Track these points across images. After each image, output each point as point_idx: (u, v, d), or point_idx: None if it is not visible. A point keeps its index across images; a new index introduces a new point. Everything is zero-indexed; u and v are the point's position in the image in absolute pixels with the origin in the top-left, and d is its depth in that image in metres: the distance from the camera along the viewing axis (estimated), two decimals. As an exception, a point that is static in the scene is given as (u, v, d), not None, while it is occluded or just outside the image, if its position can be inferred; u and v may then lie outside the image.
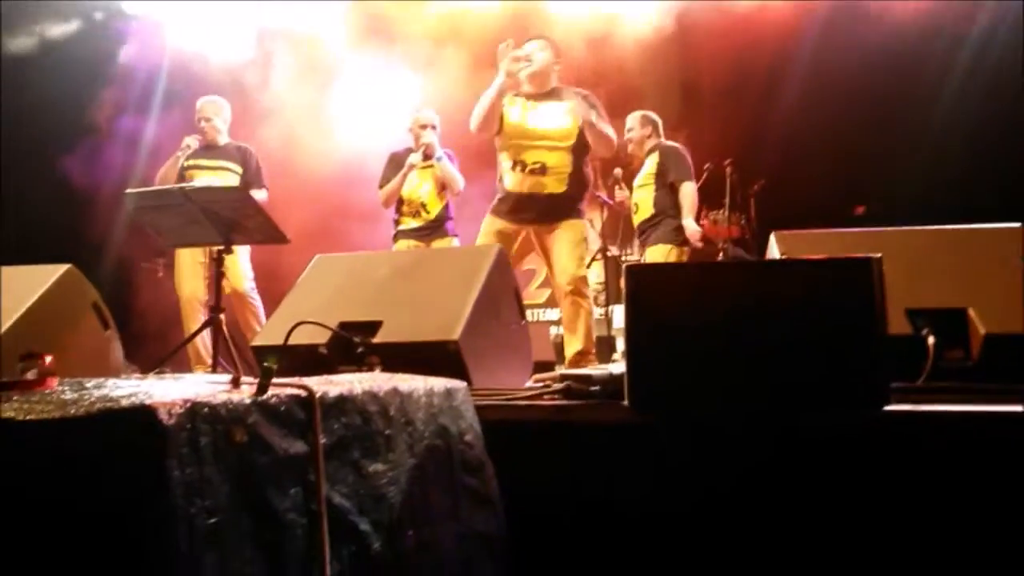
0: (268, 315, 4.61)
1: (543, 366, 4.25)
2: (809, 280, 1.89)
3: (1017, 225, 2.59)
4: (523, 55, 3.81)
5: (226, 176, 4.74)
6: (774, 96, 6.24)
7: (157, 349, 4.92)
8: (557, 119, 3.80)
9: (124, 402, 1.01)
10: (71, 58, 6.08)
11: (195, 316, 4.53)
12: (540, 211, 3.82)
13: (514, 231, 3.86)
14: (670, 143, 5.20)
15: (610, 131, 3.88)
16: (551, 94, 3.85)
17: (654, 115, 5.28)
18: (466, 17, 6.51)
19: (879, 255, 1.90)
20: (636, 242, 5.47)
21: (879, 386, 1.87)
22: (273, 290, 3.89)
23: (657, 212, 5.05)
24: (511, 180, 3.86)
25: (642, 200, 5.12)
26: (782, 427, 1.86)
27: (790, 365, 1.87)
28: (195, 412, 1.02)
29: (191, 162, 4.73)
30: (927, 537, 1.76)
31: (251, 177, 4.80)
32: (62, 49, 6.07)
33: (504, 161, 3.91)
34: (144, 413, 0.98)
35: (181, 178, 4.69)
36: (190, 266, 4.62)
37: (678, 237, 4.92)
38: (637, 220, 5.18)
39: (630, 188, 5.26)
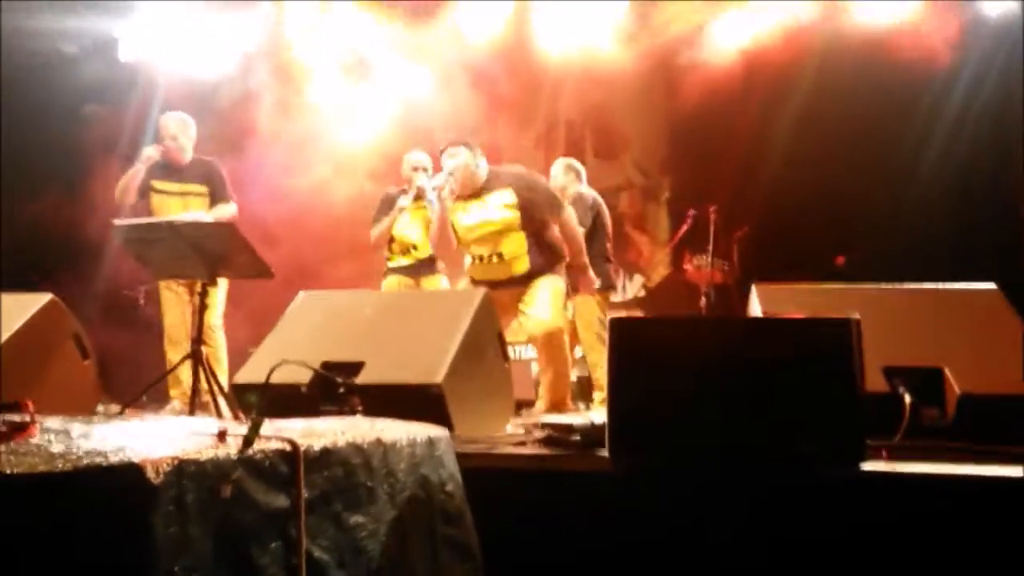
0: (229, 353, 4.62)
1: (525, 404, 4.27)
2: (790, 338, 1.93)
3: (992, 286, 2.66)
4: (438, 183, 3.92)
5: (194, 202, 4.68)
6: (760, 143, 6.34)
7: (136, 378, 4.87)
8: (493, 213, 3.89)
9: (112, 457, 1.01)
10: (59, 81, 6.09)
11: (176, 347, 4.50)
12: (510, 285, 3.89)
13: (493, 294, 3.90)
14: (587, 191, 5.14)
15: (566, 218, 3.97)
16: (483, 190, 3.93)
17: (577, 164, 5.27)
18: (461, 53, 6.58)
19: (857, 315, 1.95)
20: None
21: (856, 443, 1.90)
22: (260, 323, 3.88)
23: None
24: (476, 272, 3.98)
25: None
26: (760, 481, 1.88)
27: (769, 420, 1.90)
28: (182, 469, 1.03)
29: (157, 184, 4.64)
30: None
31: (217, 192, 4.71)
32: (50, 72, 6.07)
33: (466, 255, 4.03)
34: (132, 470, 0.99)
35: (144, 193, 4.63)
36: (171, 297, 4.58)
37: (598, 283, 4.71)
38: None
39: None
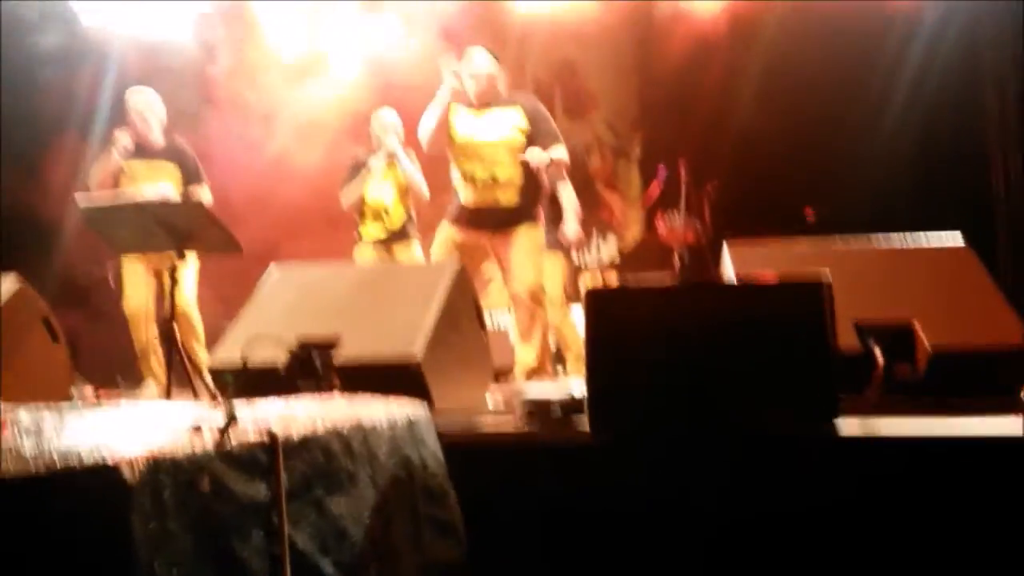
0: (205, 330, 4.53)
1: (505, 371, 4.27)
2: (764, 303, 1.94)
3: (958, 236, 2.69)
4: (468, 69, 3.80)
5: (164, 177, 4.52)
6: (729, 96, 6.32)
7: (108, 358, 4.81)
8: (504, 130, 3.79)
9: (87, 458, 1.00)
10: (10, 51, 5.90)
11: (143, 329, 4.40)
12: (495, 222, 3.81)
13: (470, 240, 3.85)
14: None
15: (560, 153, 3.86)
16: (496, 103, 3.84)
17: None
18: (424, 7, 6.44)
19: (829, 275, 1.96)
20: None
21: (829, 400, 1.94)
22: (233, 300, 3.82)
23: None
24: (464, 194, 3.86)
25: None
26: (737, 445, 1.91)
27: (746, 384, 1.92)
28: (158, 466, 1.02)
29: (127, 163, 4.47)
30: (876, 549, 1.82)
31: (190, 174, 4.59)
32: (1, 44, 5.88)
33: (455, 173, 3.90)
34: (107, 471, 0.97)
35: (117, 180, 4.51)
36: (138, 278, 4.46)
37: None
38: None
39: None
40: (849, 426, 1.93)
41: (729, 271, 2.71)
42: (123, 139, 4.40)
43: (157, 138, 4.58)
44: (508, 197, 3.79)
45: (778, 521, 1.83)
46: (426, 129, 3.83)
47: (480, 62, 3.82)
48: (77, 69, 6.07)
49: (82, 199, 3.71)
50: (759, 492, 1.87)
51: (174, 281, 3.59)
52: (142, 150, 4.53)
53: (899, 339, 2.31)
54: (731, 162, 6.20)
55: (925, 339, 2.29)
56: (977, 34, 5.52)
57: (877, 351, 2.26)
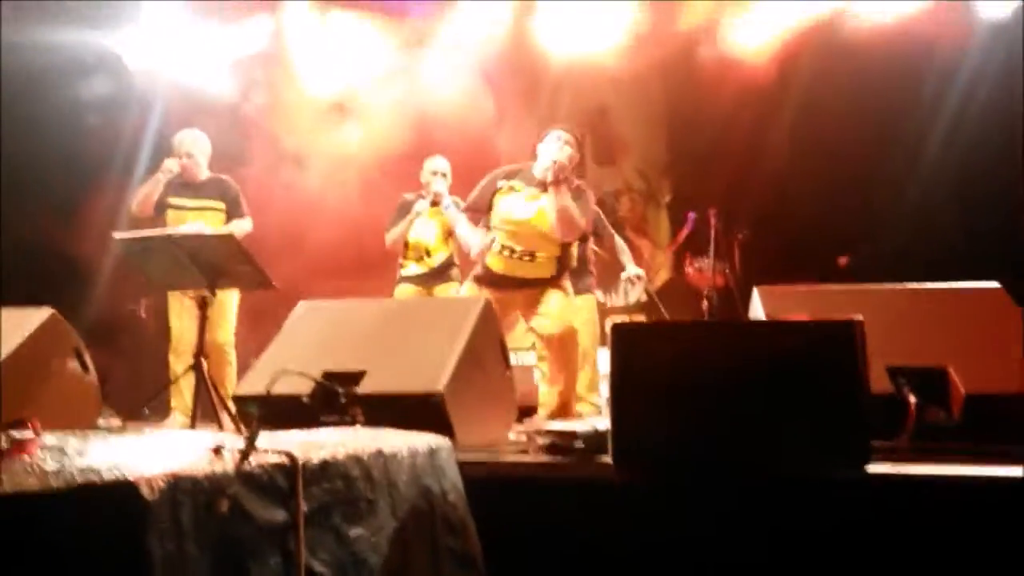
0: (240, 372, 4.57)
1: (528, 411, 4.24)
2: (794, 341, 1.91)
3: (996, 285, 2.64)
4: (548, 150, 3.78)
5: (210, 217, 4.67)
6: (759, 144, 6.33)
7: (138, 391, 4.86)
8: (550, 216, 3.78)
9: (106, 475, 1.00)
10: (59, 96, 6.09)
11: (181, 358, 4.48)
12: (524, 288, 3.81)
13: (497, 298, 3.78)
14: None
15: (578, 217, 3.79)
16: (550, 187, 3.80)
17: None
18: (466, 51, 6.56)
19: (861, 317, 1.93)
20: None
21: (861, 445, 1.89)
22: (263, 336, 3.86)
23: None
24: (496, 262, 3.81)
25: None
26: (765, 486, 1.87)
27: (774, 424, 1.88)
28: (177, 486, 1.02)
29: (174, 200, 4.66)
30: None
31: (232, 208, 4.73)
32: (48, 87, 6.08)
33: (493, 239, 3.87)
34: (126, 487, 0.97)
35: (162, 210, 4.64)
36: (179, 307, 4.56)
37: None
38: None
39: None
40: (881, 471, 1.88)
41: (759, 314, 2.68)
42: (172, 166, 4.57)
43: (203, 174, 4.74)
44: (541, 271, 3.78)
45: (804, 564, 1.78)
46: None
47: (560, 149, 3.72)
48: (120, 112, 6.25)
49: (119, 234, 3.79)
50: (786, 534, 1.82)
51: (204, 315, 3.65)
52: (188, 186, 4.69)
53: (933, 383, 2.26)
54: (762, 209, 6.19)
55: (959, 383, 2.23)
56: (1013, 78, 5.47)
57: (910, 395, 2.21)
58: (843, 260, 5.75)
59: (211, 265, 3.49)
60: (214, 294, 3.64)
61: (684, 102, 6.79)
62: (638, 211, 7.03)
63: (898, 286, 2.64)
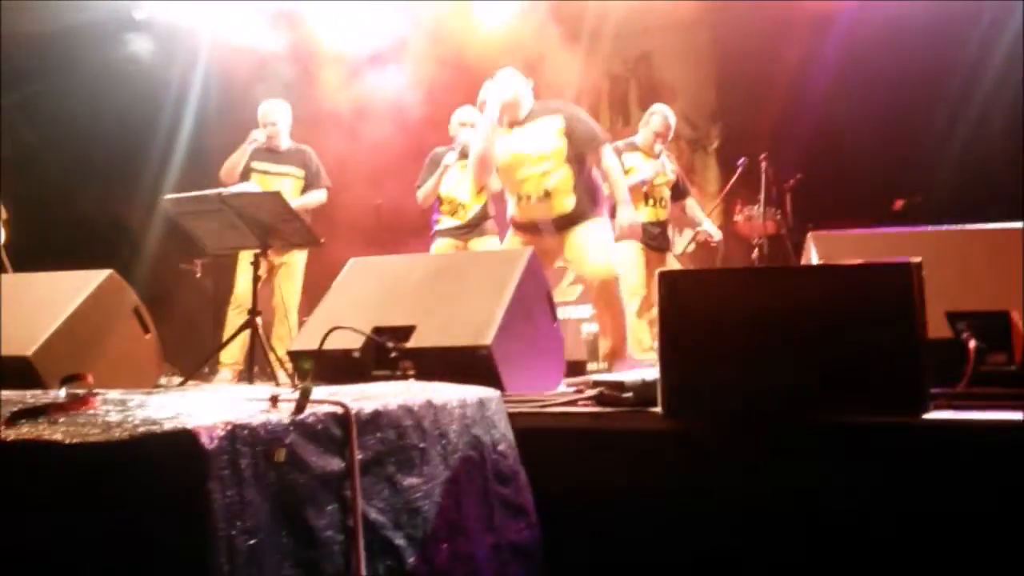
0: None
1: (576, 365, 4.25)
2: (848, 285, 1.86)
3: (1059, 223, 2.53)
4: (497, 92, 3.80)
5: (290, 183, 4.92)
6: (808, 87, 6.14)
7: (197, 350, 5.00)
8: (544, 140, 3.76)
9: (167, 425, 1.03)
10: (102, 63, 6.18)
11: (242, 314, 4.59)
12: (556, 227, 3.80)
13: (535, 242, 3.80)
14: None
15: (607, 156, 3.83)
16: (529, 117, 3.82)
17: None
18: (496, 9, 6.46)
19: (919, 259, 1.87)
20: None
21: (919, 392, 1.84)
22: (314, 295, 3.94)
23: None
24: (519, 211, 3.85)
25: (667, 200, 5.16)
26: (819, 434, 1.84)
27: (827, 371, 1.85)
28: (235, 435, 1.04)
29: (257, 164, 4.90)
30: (963, 547, 1.73)
31: (312, 178, 4.97)
32: (94, 54, 6.15)
33: (508, 195, 3.91)
34: (186, 437, 1.00)
35: (245, 176, 4.84)
36: (247, 265, 4.66)
37: None
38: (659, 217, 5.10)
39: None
40: (939, 417, 1.83)
41: (813, 260, 2.62)
42: (259, 135, 4.73)
43: (285, 142, 4.96)
44: (563, 205, 3.76)
45: (860, 516, 1.76)
46: (477, 166, 3.87)
47: (505, 83, 3.80)
48: (163, 73, 6.32)
49: (169, 196, 3.87)
50: (840, 485, 1.80)
51: (256, 273, 3.71)
52: (271, 152, 4.93)
53: (994, 327, 2.19)
54: (813, 154, 6.02)
55: (1022, 327, 2.16)
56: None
57: (970, 340, 2.15)
58: (899, 204, 5.58)
59: (259, 224, 3.54)
60: (265, 254, 3.70)
61: (731, 47, 6.60)
62: (685, 159, 6.91)
63: (956, 228, 2.55)
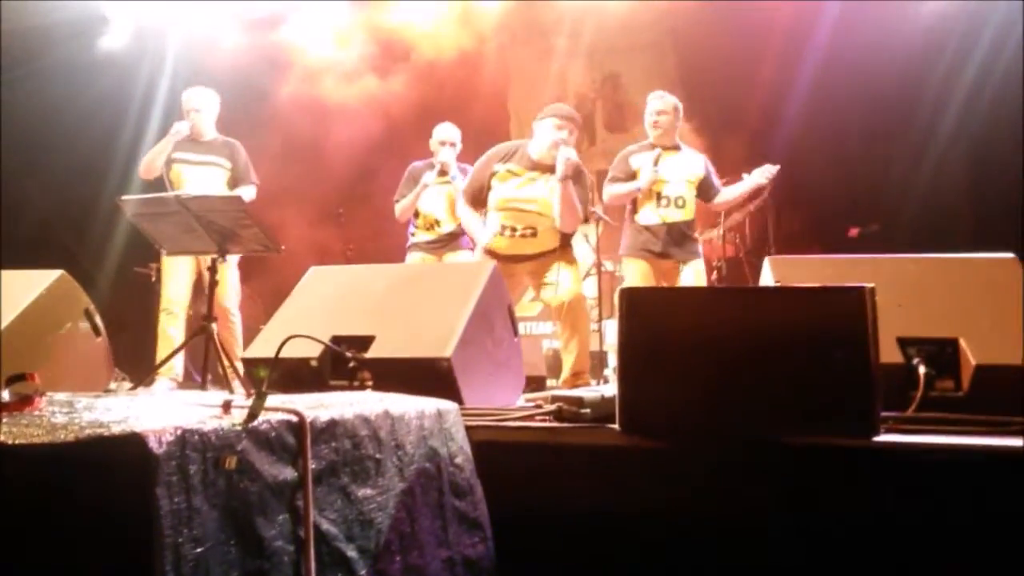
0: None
1: (535, 381, 4.26)
2: (803, 307, 1.89)
3: (1010, 255, 2.61)
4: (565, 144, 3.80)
5: (214, 172, 4.67)
6: (774, 116, 6.27)
7: (149, 355, 4.89)
8: (542, 194, 3.81)
9: (114, 428, 1.00)
10: (68, 62, 6.06)
11: (173, 319, 4.46)
12: (532, 260, 3.85)
13: (507, 270, 3.81)
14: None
15: (579, 208, 3.84)
16: (549, 168, 3.83)
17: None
18: (471, 13, 6.50)
19: (872, 284, 1.91)
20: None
21: (871, 415, 1.88)
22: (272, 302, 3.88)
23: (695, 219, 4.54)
24: (500, 242, 3.86)
25: (688, 199, 4.44)
26: (773, 453, 1.86)
27: (781, 392, 1.87)
28: (185, 440, 1.02)
29: (178, 155, 4.64)
30: (912, 565, 1.76)
31: (240, 173, 4.72)
32: (59, 53, 6.04)
33: (493, 222, 3.89)
34: (134, 440, 0.98)
35: (168, 168, 4.64)
36: (175, 268, 4.54)
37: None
38: (677, 218, 4.42)
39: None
40: (889, 440, 1.87)
41: (769, 282, 2.66)
42: (183, 128, 4.56)
43: (210, 133, 4.73)
44: (546, 243, 3.84)
45: (810, 535, 1.78)
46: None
47: (564, 143, 3.79)
48: (131, 72, 6.23)
49: (127, 197, 3.79)
50: (790, 502, 1.82)
51: (214, 281, 3.65)
52: (195, 143, 4.68)
53: (943, 354, 2.24)
54: (775, 181, 6.14)
55: (970, 354, 2.22)
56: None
57: (920, 365, 2.20)
58: (854, 231, 5.71)
59: (219, 228, 3.49)
60: (224, 258, 3.65)
61: (699, 71, 6.71)
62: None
63: (909, 256, 2.61)
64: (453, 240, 4.82)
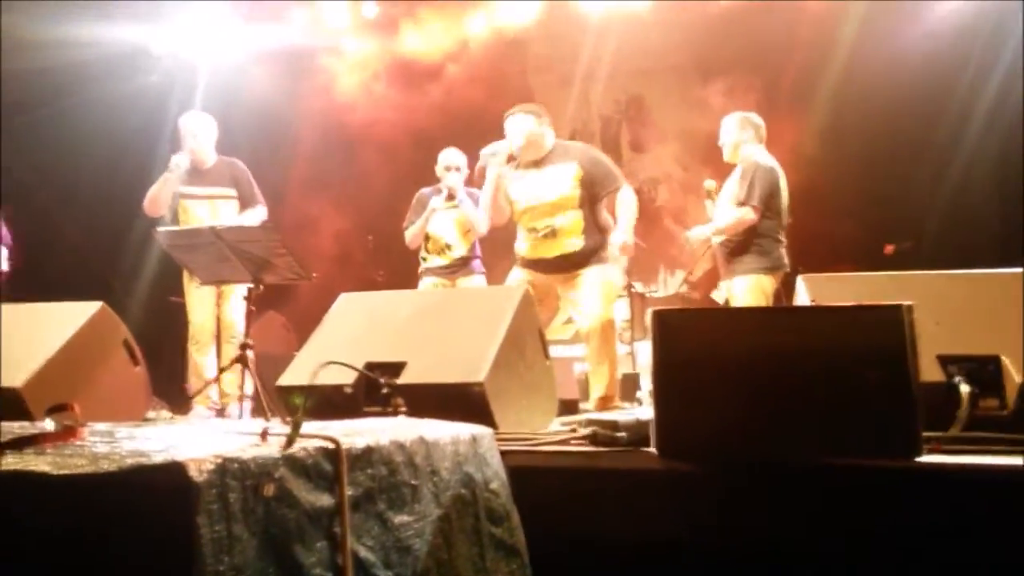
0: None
1: (568, 404, 4.23)
2: (840, 327, 1.87)
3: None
4: (506, 145, 3.85)
5: (221, 204, 4.60)
6: (800, 132, 6.23)
7: (180, 382, 4.95)
8: (558, 185, 3.83)
9: (155, 457, 1.02)
10: (102, 95, 6.21)
11: (202, 348, 4.50)
12: (561, 267, 3.86)
13: (539, 281, 3.87)
14: (758, 156, 4.47)
15: (626, 195, 3.87)
16: (547, 158, 3.88)
17: (756, 118, 4.54)
18: (491, 45, 6.58)
19: (910, 302, 1.88)
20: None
21: (913, 435, 1.84)
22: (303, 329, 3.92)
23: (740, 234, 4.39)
24: (526, 247, 3.92)
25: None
26: (813, 476, 1.83)
27: (820, 413, 1.84)
28: (225, 468, 1.03)
29: (185, 189, 4.56)
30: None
31: (245, 196, 4.63)
32: (93, 87, 6.19)
33: (519, 229, 3.97)
34: (175, 469, 0.99)
35: (175, 204, 4.57)
36: (199, 297, 4.56)
37: (768, 264, 4.36)
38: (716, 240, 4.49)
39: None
40: (932, 462, 1.83)
41: (804, 301, 2.63)
42: (178, 160, 4.48)
43: (211, 157, 4.63)
44: (571, 244, 3.83)
45: (852, 558, 1.74)
46: (485, 212, 3.97)
47: (516, 128, 3.85)
48: (160, 107, 6.37)
49: (162, 228, 3.86)
50: (833, 527, 1.79)
51: (250, 309, 3.70)
52: (198, 173, 4.59)
53: (985, 371, 2.19)
54: (804, 198, 6.08)
55: (1014, 371, 2.17)
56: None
57: (962, 384, 2.15)
58: (889, 248, 5.62)
59: (252, 258, 3.54)
60: (259, 287, 3.70)
61: (724, 89, 6.69)
62: (677, 200, 6.96)
63: (945, 272, 2.57)
64: (465, 264, 4.83)
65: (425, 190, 4.93)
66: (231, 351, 4.35)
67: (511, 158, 3.83)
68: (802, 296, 2.62)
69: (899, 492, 1.81)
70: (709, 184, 4.74)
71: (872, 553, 1.77)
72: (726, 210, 4.45)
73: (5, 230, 4.91)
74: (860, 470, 1.81)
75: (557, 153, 3.88)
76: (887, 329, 1.82)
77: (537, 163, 3.87)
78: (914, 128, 5.81)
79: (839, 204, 5.85)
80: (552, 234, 3.82)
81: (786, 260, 4.45)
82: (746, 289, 4.30)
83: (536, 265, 3.87)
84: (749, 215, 4.32)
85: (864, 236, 5.85)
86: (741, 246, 4.41)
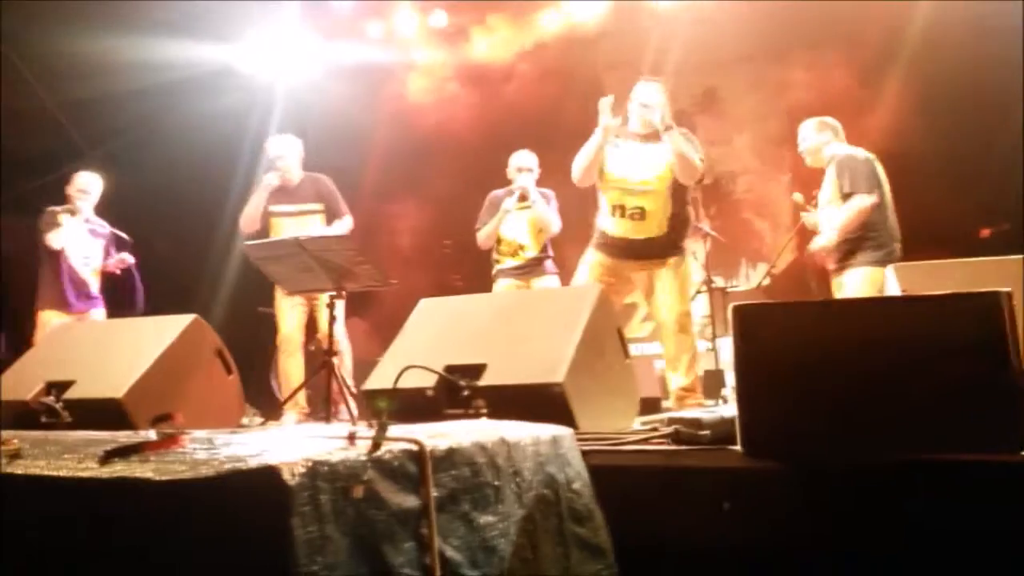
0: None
1: (649, 402, 4.19)
2: (934, 317, 1.80)
3: None
4: (638, 100, 3.82)
5: (310, 219, 4.79)
6: (884, 115, 6.00)
7: (269, 389, 5.12)
8: (657, 164, 3.77)
9: (251, 462, 1.06)
10: (190, 114, 6.48)
11: (291, 357, 4.65)
12: (641, 253, 3.80)
13: (616, 267, 3.85)
14: (847, 150, 4.36)
15: (696, 160, 3.79)
16: (652, 136, 3.82)
17: (831, 120, 4.46)
18: (561, 42, 6.57)
19: (1009, 288, 1.80)
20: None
21: (1017, 428, 1.76)
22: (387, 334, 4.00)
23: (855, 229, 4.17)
24: (611, 224, 3.86)
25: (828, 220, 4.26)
26: (906, 473, 1.76)
27: (914, 407, 1.77)
28: (316, 471, 1.06)
29: (275, 208, 4.77)
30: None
31: (332, 209, 4.82)
32: (183, 106, 6.46)
33: (603, 204, 3.90)
34: (269, 473, 1.03)
35: (266, 222, 4.78)
36: (288, 307, 4.72)
37: (884, 257, 4.11)
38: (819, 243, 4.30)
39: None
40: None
41: (894, 291, 2.54)
42: (272, 179, 4.69)
43: (297, 175, 4.83)
44: (655, 229, 3.78)
45: (953, 557, 1.67)
46: (580, 167, 3.86)
47: (646, 94, 3.82)
48: (242, 123, 6.59)
49: (249, 242, 4.00)
50: (931, 525, 1.72)
51: (333, 316, 3.80)
52: (286, 191, 4.79)
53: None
54: (891, 183, 5.86)
55: None
56: None
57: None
58: (985, 232, 5.35)
59: (335, 267, 3.63)
60: (341, 295, 3.79)
61: (799, 76, 6.52)
62: (756, 192, 6.81)
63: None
64: (539, 265, 4.84)
65: (497, 192, 4.96)
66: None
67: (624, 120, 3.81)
68: (892, 286, 2.53)
69: (1003, 489, 1.73)
70: (797, 197, 4.64)
71: (978, 551, 1.69)
72: (832, 210, 4.26)
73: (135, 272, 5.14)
74: (961, 467, 1.74)
75: (658, 134, 3.83)
76: (985, 317, 1.74)
77: (647, 137, 3.83)
78: (1007, 100, 5.52)
79: (930, 186, 5.61)
80: (641, 215, 3.77)
81: (899, 253, 4.20)
82: (858, 283, 4.10)
83: (617, 245, 3.81)
84: (865, 201, 4.11)
85: (959, 220, 5.59)
86: (855, 240, 4.21)
